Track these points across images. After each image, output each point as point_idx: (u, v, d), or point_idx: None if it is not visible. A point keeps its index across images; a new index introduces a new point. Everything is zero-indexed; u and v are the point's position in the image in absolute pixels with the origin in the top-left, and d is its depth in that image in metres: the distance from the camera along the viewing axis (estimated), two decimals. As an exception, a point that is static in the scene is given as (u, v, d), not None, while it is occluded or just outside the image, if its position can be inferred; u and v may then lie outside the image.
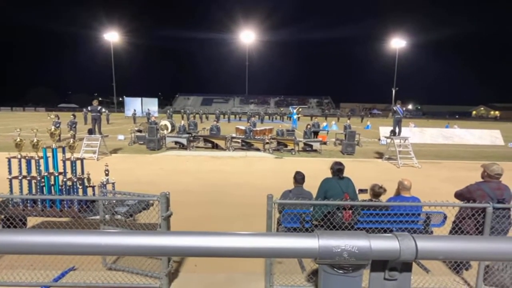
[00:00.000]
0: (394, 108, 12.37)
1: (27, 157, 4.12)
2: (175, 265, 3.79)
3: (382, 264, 0.65)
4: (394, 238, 0.62)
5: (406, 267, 0.64)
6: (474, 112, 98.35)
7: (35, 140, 4.14)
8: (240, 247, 0.62)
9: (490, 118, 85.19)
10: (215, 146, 14.13)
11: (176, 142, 13.87)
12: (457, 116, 77.19)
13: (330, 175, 4.04)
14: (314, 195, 4.21)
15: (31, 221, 4.61)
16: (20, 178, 4.13)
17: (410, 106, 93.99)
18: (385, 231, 3.58)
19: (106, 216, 3.73)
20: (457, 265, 3.78)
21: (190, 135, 14.22)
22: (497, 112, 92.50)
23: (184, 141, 13.55)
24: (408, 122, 25.19)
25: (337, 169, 3.87)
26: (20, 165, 4.11)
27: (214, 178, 8.54)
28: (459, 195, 3.96)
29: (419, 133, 19.66)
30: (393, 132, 12.05)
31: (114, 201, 4.01)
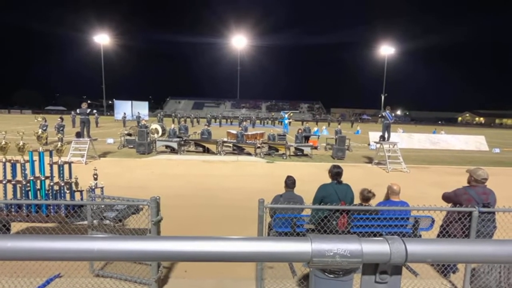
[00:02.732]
0: (383, 113, 12.59)
1: (12, 161, 4.01)
2: (164, 271, 3.73)
3: (373, 267, 0.66)
4: (385, 241, 0.64)
5: (396, 270, 0.66)
6: (460, 118, 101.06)
7: (21, 143, 4.04)
8: (233, 251, 0.62)
9: (475, 124, 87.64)
10: (206, 151, 14.05)
11: (166, 146, 13.74)
12: (443, 122, 79.11)
13: (321, 179, 4.07)
14: (306, 199, 4.23)
15: (15, 226, 4.47)
16: (4, 182, 4.01)
17: (398, 112, 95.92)
18: (374, 235, 3.62)
19: (94, 221, 3.65)
20: (445, 268, 3.85)
21: (181, 139, 14.12)
22: (481, 119, 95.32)
23: (174, 145, 13.44)
24: (397, 128, 25.67)
25: (336, 173, 3.86)
26: (4, 168, 3.99)
27: (205, 183, 8.48)
28: (446, 198, 4.04)
29: (407, 138, 20.03)
30: (382, 137, 12.25)
31: (102, 206, 3.93)
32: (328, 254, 0.61)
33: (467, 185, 3.94)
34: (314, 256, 0.61)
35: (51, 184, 4.09)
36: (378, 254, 0.63)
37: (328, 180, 4.01)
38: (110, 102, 65.62)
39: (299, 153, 13.98)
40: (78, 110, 12.16)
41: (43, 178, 4.03)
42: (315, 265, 0.63)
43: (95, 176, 4.41)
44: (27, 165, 4.01)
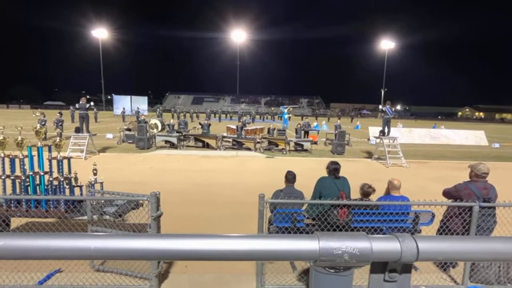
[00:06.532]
0: (383, 108, 12.54)
1: (10, 156, 3.98)
2: (165, 265, 3.73)
3: (382, 265, 0.64)
4: (395, 239, 0.61)
5: (406, 268, 0.64)
6: (459, 113, 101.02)
7: (19, 138, 4.00)
8: (237, 249, 0.60)
9: (475, 119, 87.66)
10: (206, 146, 14.03)
11: (166, 141, 13.70)
12: (443, 117, 79.08)
13: (321, 174, 4.05)
14: (306, 194, 4.22)
15: (15, 222, 4.47)
16: (3, 177, 3.99)
17: (398, 107, 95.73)
18: (375, 230, 3.62)
19: (94, 216, 3.64)
20: (445, 262, 3.85)
21: (181, 134, 14.07)
22: (481, 113, 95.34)
23: (174, 140, 13.41)
24: (397, 123, 25.64)
25: (333, 169, 3.87)
26: (3, 164, 3.97)
27: (204, 178, 8.47)
28: (447, 194, 4.04)
29: (407, 133, 20.03)
30: (382, 132, 12.22)
31: (102, 201, 3.92)
32: (336, 252, 0.59)
33: (468, 180, 3.93)
34: (321, 255, 0.59)
35: (50, 179, 4.07)
36: (389, 252, 0.60)
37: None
38: (109, 97, 65.37)
39: (298, 148, 13.97)
40: (77, 105, 12.09)
41: (42, 173, 4.01)
42: (323, 264, 0.61)
43: (95, 171, 4.38)
44: (26, 160, 3.98)
